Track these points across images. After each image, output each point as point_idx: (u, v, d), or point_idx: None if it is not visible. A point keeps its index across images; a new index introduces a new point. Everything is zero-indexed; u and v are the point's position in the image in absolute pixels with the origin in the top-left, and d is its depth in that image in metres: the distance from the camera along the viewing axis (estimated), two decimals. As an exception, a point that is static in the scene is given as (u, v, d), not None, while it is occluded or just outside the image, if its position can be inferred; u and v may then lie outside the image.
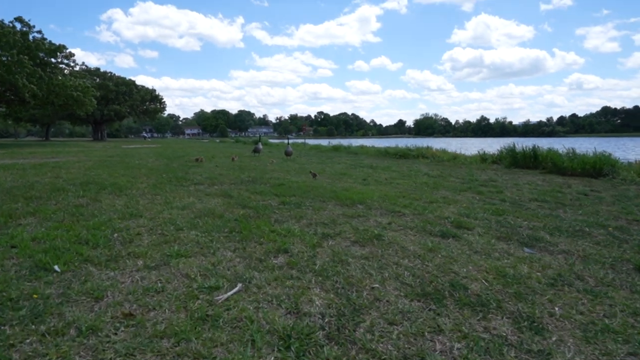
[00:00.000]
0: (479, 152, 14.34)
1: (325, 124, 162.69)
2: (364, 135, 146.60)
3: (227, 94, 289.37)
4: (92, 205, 5.23)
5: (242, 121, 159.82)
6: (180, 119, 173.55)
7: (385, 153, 17.39)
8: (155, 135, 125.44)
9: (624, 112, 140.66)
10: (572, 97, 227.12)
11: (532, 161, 11.16)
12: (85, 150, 21.40)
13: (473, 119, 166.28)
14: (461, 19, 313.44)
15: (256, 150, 16.32)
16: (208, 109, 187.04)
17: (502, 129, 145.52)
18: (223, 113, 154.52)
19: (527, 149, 11.43)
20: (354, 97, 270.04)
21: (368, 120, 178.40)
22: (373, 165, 12.44)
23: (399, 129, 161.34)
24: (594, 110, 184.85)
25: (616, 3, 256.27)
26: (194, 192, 6.49)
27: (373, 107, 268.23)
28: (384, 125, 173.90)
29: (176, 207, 5.16)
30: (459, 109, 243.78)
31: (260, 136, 22.08)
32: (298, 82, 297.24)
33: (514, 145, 12.17)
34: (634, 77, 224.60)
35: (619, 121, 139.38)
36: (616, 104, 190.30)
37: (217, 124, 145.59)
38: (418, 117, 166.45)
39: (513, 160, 11.66)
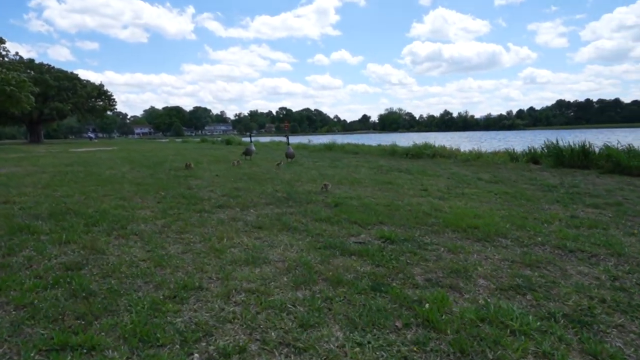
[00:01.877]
0: (507, 150, 13.28)
1: (288, 120, 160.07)
2: (329, 131, 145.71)
3: (180, 90, 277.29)
4: (95, 264, 3.22)
5: (198, 118, 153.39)
6: (128, 117, 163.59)
7: (392, 152, 15.98)
8: (101, 135, 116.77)
9: (576, 105, 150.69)
10: (527, 91, 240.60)
11: (582, 159, 10.16)
12: (28, 156, 18.11)
13: (434, 112, 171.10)
14: (419, 13, 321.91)
15: (248, 153, 14.29)
16: (159, 106, 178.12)
17: (465, 123, 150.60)
18: (177, 110, 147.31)
19: (575, 146, 10.42)
20: (315, 92, 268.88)
21: (332, 116, 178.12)
22: (401, 168, 10.92)
23: (364, 124, 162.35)
24: (547, 103, 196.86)
25: (563, 0, 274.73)
26: (230, 222, 4.59)
27: (335, 102, 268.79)
28: (348, 120, 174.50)
29: (240, 261, 3.28)
30: (421, 103, 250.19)
31: (250, 134, 19.73)
32: (256, 76, 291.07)
33: (556, 141, 11.16)
34: (581, 72, 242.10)
35: (572, 114, 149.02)
36: (567, 97, 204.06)
37: (171, 122, 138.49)
38: (382, 112, 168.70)
39: (558, 159, 10.62)
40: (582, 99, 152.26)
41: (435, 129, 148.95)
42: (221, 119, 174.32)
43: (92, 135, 78.89)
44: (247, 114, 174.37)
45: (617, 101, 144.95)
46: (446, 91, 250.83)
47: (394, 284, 2.79)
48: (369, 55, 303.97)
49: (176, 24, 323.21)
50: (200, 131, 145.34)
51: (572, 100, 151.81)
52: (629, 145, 9.79)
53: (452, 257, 3.42)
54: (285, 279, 2.89)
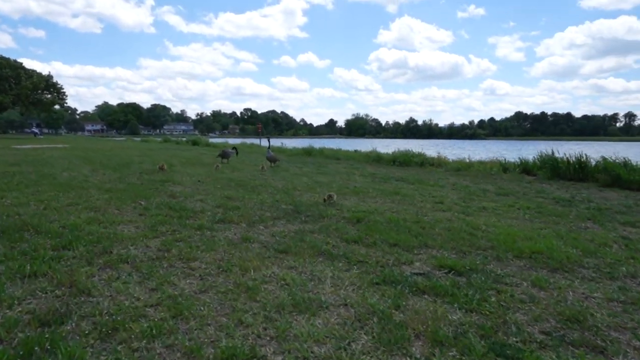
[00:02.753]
0: (496, 159, 13.17)
1: (253, 122, 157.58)
2: (295, 134, 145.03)
3: (136, 85, 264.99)
4: (82, 314, 2.30)
5: (157, 117, 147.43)
6: (78, 112, 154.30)
7: (377, 159, 15.50)
8: (47, 131, 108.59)
9: (532, 117, 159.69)
10: (487, 102, 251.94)
11: (578, 172, 10.12)
12: (-38, 152, 15.91)
13: (400, 119, 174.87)
14: (386, 20, 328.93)
15: (225, 156, 13.24)
16: (113, 102, 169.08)
17: (429, 130, 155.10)
18: (133, 107, 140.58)
19: (571, 158, 10.38)
20: (281, 94, 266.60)
21: (298, 119, 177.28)
22: (396, 177, 10.38)
23: (331, 129, 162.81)
24: (506, 114, 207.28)
25: (520, 17, 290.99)
26: (244, 244, 3.76)
27: (301, 105, 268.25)
28: (314, 124, 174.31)
29: (286, 306, 2.49)
30: (387, 110, 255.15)
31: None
32: (219, 75, 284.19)
33: (552, 152, 11.10)
34: (537, 86, 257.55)
35: (528, 125, 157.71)
36: (524, 109, 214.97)
37: (126, 120, 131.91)
38: (349, 117, 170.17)
39: (554, 171, 10.54)
40: (537, 111, 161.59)
41: (401, 135, 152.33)
42: (181, 118, 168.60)
43: (36, 130, 73.27)
44: (209, 114, 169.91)
45: (569, 115, 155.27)
46: (411, 99, 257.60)
47: (514, 344, 2.12)
48: (336, 59, 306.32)
49: (133, 15, 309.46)
50: (158, 130, 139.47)
51: (529, 113, 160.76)
52: (624, 159, 9.84)
53: (546, 295, 2.81)
54: (365, 337, 2.14)
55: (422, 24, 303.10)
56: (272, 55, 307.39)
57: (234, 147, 13.10)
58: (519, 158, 12.60)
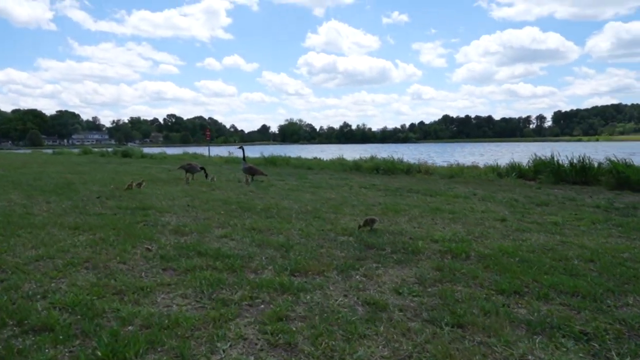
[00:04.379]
0: (489, 165, 13.01)
1: (178, 129, 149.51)
2: (225, 142, 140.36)
3: (35, 89, 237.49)
4: None
5: (64, 125, 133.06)
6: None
7: (357, 167, 14.62)
8: None
9: (458, 120, 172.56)
10: (415, 106, 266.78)
11: (581, 175, 10.15)
12: None
13: (333, 124, 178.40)
14: (314, 24, 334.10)
15: (190, 170, 11.38)
16: (6, 108, 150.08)
17: (363, 135, 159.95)
18: (34, 114, 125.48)
19: (574, 162, 10.40)
20: (206, 99, 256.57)
21: (227, 125, 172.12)
22: (400, 187, 9.53)
23: (264, 135, 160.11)
24: (434, 118, 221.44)
25: (441, 24, 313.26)
26: (391, 319, 2.53)
27: (230, 110, 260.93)
28: (246, 130, 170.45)
29: None
30: (318, 115, 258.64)
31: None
32: (136, 78, 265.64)
33: (552, 156, 11.07)
34: (458, 90, 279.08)
35: (455, 128, 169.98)
36: (450, 112, 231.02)
37: (25, 129, 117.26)
38: (281, 122, 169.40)
39: (557, 175, 10.49)
40: (462, 115, 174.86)
41: (335, 140, 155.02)
42: (93, 126, 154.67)
43: None
44: (126, 121, 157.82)
45: (489, 118, 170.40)
46: (342, 103, 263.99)
47: None
48: (264, 63, 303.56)
49: (28, 9, 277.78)
50: (66, 140, 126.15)
51: (454, 116, 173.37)
52: (625, 160, 10.04)
53: None
54: None
55: (350, 28, 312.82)
56: (194, 57, 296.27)
57: (202, 167, 11.38)
58: (511, 162, 12.53)
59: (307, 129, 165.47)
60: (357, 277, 3.36)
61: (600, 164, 10.26)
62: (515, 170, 11.86)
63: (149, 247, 4.11)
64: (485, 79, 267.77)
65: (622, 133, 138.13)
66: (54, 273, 3.29)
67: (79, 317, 2.51)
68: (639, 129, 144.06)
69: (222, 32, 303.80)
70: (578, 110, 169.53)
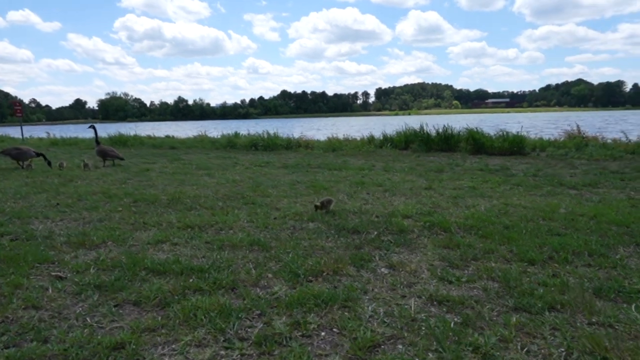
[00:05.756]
0: (365, 136, 13.60)
1: (18, 102, 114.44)
2: (27, 121, 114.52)
3: None
4: None
5: None
6: None
7: (231, 145, 13.40)
8: None
9: (295, 96, 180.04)
10: (252, 80, 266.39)
11: (445, 143, 11.58)
12: None
13: (166, 99, 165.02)
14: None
15: (21, 157, 8.57)
16: None
17: (202, 111, 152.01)
18: None
19: (440, 131, 11.74)
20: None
21: (26, 100, 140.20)
22: (319, 164, 9.14)
23: (79, 112, 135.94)
24: (272, 93, 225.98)
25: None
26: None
27: (26, 81, 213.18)
28: (53, 106, 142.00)
29: None
30: (147, 88, 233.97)
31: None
32: None
33: (421, 127, 12.23)
34: (293, 65, 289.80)
35: (293, 104, 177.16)
36: (287, 88, 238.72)
37: None
38: (101, 96, 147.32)
39: (427, 144, 11.71)
40: (299, 90, 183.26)
41: (171, 117, 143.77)
42: None
43: None
44: None
45: (324, 94, 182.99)
46: (174, 75, 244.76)
47: None
48: (68, 23, 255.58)
49: None
50: None
51: (292, 92, 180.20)
52: (476, 128, 11.83)
53: None
54: None
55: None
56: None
57: (40, 153, 8.74)
58: (382, 134, 13.44)
59: (136, 104, 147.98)
60: (382, 269, 2.89)
61: (459, 132, 11.85)
62: (388, 142, 12.78)
63: (59, 273, 2.74)
64: (316, 55, 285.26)
65: (426, 108, 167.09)
66: None
67: None
68: (437, 104, 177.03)
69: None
70: (394, 88, 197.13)
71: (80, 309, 2.29)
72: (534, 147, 11.15)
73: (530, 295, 2.38)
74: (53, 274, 2.74)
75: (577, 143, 11.08)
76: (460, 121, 14.73)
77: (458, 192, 5.71)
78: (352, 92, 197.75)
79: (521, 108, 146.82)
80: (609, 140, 11.46)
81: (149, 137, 16.84)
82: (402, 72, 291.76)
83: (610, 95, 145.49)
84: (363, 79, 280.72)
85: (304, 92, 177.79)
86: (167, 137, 18.20)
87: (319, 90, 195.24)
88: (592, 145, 10.90)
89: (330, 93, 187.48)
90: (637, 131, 16.98)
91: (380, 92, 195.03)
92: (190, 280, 2.66)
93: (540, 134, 14.44)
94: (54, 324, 2.13)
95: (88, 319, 2.18)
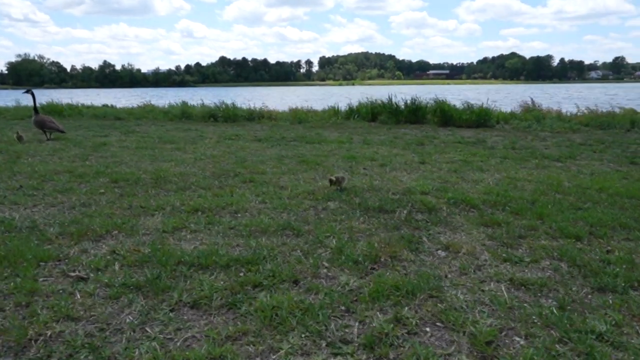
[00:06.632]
0: (325, 108, 13.31)
1: None
2: None
3: None
4: None
5: None
6: None
7: (187, 115, 12.52)
8: None
9: (235, 63, 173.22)
10: (186, 45, 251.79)
11: (414, 115, 11.70)
12: None
13: (89, 63, 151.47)
14: None
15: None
16: None
17: (132, 78, 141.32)
18: None
19: (408, 103, 11.81)
20: None
21: None
22: (295, 137, 8.76)
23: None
24: (210, 60, 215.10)
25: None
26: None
27: None
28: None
29: None
30: (65, 51, 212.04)
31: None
32: None
33: (389, 98, 12.19)
34: (230, 30, 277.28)
35: (233, 71, 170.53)
36: (225, 54, 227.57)
37: None
38: (11, 59, 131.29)
39: (396, 116, 11.74)
40: (239, 57, 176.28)
41: (96, 84, 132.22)
42: None
43: None
44: None
45: (265, 61, 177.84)
46: (97, 37, 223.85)
47: None
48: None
49: None
50: None
51: (232, 58, 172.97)
52: (441, 100, 12.05)
53: None
54: None
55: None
56: None
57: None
58: (348, 105, 13.28)
59: (54, 68, 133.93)
60: (439, 252, 2.79)
61: (426, 104, 12.01)
62: (355, 113, 12.67)
63: (78, 273, 2.32)
64: (256, 19, 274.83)
65: (370, 78, 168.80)
66: None
67: None
68: (381, 75, 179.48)
69: None
70: (338, 57, 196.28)
71: (131, 317, 1.94)
72: (497, 120, 11.63)
73: (605, 274, 2.40)
74: (72, 274, 2.31)
75: (536, 116, 11.73)
76: (405, 92, 14.68)
77: (455, 166, 5.76)
78: (295, 60, 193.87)
79: (460, 80, 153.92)
80: (564, 112, 12.25)
81: (85, 106, 15.25)
82: (345, 40, 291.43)
83: (540, 69, 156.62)
84: (305, 47, 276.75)
85: (244, 59, 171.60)
86: (107, 106, 16.63)
87: (260, 57, 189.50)
88: (549, 117, 11.61)
89: (272, 61, 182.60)
90: (568, 102, 18.64)
91: (324, 61, 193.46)
92: (241, 274, 2.38)
93: (494, 106, 15.14)
94: (109, 338, 1.78)
95: (148, 329, 1.85)
